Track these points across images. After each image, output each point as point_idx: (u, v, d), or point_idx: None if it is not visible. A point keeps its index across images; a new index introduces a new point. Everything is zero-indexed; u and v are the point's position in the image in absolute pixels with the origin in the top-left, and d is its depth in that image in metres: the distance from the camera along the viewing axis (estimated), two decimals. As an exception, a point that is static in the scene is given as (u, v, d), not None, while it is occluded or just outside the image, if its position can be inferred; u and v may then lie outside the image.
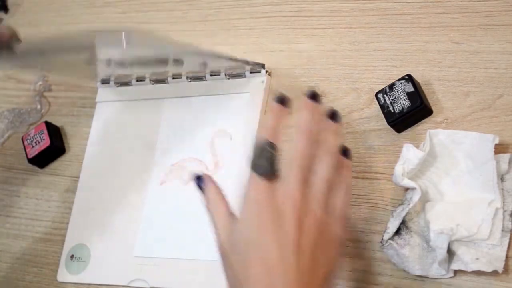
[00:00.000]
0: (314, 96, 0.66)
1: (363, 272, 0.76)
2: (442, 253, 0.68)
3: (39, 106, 1.04)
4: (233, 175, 0.84)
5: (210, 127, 0.89)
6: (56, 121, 1.01)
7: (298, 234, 0.59)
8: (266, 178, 0.61)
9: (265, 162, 0.61)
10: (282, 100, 0.66)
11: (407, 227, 0.72)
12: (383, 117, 0.79)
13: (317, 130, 0.65)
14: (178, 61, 0.83)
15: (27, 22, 1.13)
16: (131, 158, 0.92)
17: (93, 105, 0.99)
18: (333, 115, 0.68)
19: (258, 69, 0.89)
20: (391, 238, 0.71)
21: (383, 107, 0.79)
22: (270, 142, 0.62)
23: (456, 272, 0.71)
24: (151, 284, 0.85)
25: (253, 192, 0.61)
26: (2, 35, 0.77)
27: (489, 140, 0.70)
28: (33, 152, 0.98)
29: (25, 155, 0.99)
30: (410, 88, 0.78)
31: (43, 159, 0.99)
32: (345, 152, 0.68)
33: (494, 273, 0.69)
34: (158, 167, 0.90)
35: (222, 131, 0.88)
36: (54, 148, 0.98)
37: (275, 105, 0.66)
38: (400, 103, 0.78)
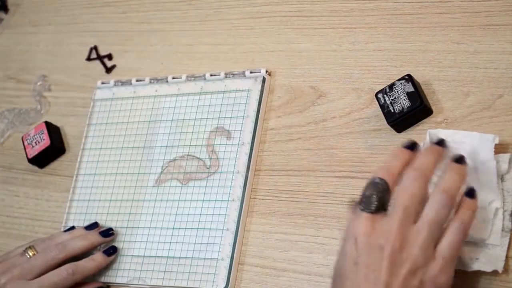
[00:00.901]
0: (412, 146, 0.66)
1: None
2: None
3: (39, 106, 1.04)
4: (231, 173, 0.84)
5: (209, 126, 0.89)
6: (56, 121, 1.01)
7: (388, 274, 0.59)
8: (371, 214, 0.62)
9: (375, 199, 0.62)
10: (412, 146, 0.66)
11: None
12: (383, 117, 0.79)
13: (432, 172, 0.63)
14: None
15: (27, 22, 1.14)
16: (130, 156, 0.92)
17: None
18: (458, 160, 0.65)
19: (258, 69, 0.89)
20: None
21: (383, 107, 0.79)
22: (386, 182, 0.62)
23: (456, 272, 0.71)
24: (150, 283, 0.85)
25: (355, 226, 0.62)
26: None
27: (489, 140, 0.69)
28: (33, 152, 0.98)
29: (25, 155, 0.99)
30: (410, 88, 0.78)
31: (43, 159, 0.99)
32: (469, 193, 0.64)
33: (494, 273, 0.69)
34: (157, 165, 0.90)
35: (221, 129, 0.88)
36: (54, 148, 0.98)
37: (404, 150, 0.65)
38: (400, 103, 0.78)
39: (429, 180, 0.62)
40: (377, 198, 0.62)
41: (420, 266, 0.60)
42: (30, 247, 0.85)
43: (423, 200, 0.62)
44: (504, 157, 0.70)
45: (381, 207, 0.62)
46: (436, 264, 0.61)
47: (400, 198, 0.62)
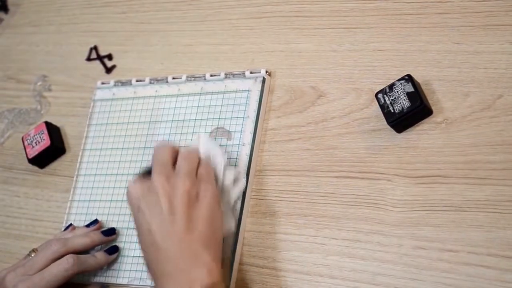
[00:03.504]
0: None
1: (364, 272, 0.76)
2: None
3: (39, 106, 1.04)
4: (231, 173, 0.85)
5: (209, 126, 0.89)
6: (56, 121, 1.01)
7: (167, 201, 0.76)
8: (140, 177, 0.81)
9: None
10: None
11: None
12: (383, 117, 0.79)
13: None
14: None
15: (27, 22, 1.14)
16: (130, 156, 0.92)
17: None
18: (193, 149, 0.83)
19: (258, 69, 0.89)
20: None
21: (383, 107, 0.79)
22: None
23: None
24: (151, 283, 0.85)
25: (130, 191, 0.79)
26: None
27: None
28: (33, 152, 0.98)
29: (25, 155, 0.99)
30: (410, 88, 0.78)
31: (43, 159, 0.99)
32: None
33: (493, 272, 0.69)
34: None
35: (222, 130, 0.88)
36: (54, 148, 0.98)
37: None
38: (400, 103, 0.78)
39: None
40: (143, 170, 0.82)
41: (189, 189, 0.76)
42: (33, 250, 0.86)
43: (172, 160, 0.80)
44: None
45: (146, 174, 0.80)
46: (197, 183, 0.78)
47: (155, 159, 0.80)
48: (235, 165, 0.85)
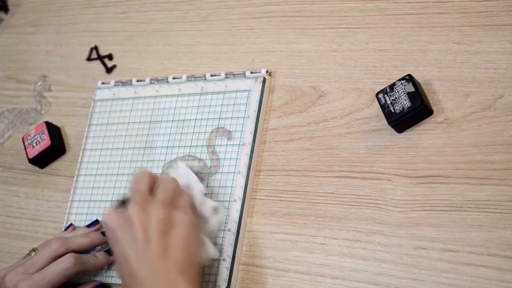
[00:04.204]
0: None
1: (364, 272, 0.76)
2: None
3: (39, 106, 1.04)
4: (232, 173, 0.84)
5: (210, 126, 0.89)
6: (57, 121, 1.01)
7: (142, 231, 0.76)
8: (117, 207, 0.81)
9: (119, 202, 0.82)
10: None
11: None
12: (384, 117, 0.79)
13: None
14: None
15: (27, 22, 1.14)
16: (130, 156, 0.92)
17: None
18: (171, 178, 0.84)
19: (258, 69, 0.89)
20: None
21: (383, 107, 0.79)
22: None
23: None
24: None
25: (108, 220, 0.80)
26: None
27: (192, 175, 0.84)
28: (33, 152, 0.98)
29: (25, 155, 0.99)
30: (410, 88, 0.78)
31: (43, 159, 0.99)
32: None
33: (493, 272, 0.69)
34: (157, 165, 0.90)
35: (222, 130, 0.88)
36: (54, 148, 0.98)
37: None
38: (401, 103, 0.78)
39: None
40: (120, 198, 0.82)
41: (164, 217, 0.77)
42: (33, 249, 0.86)
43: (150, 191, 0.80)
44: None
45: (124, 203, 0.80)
46: (173, 211, 0.78)
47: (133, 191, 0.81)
48: (234, 173, 0.85)
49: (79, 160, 0.96)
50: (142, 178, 0.80)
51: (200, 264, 0.79)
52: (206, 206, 0.82)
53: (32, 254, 0.85)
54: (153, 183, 0.80)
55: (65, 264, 0.82)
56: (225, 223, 0.83)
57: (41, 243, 0.89)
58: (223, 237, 0.83)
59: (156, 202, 0.78)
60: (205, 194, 0.83)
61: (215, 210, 0.82)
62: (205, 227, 0.81)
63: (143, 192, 0.79)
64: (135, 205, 0.78)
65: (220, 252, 0.82)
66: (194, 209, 0.81)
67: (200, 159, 0.88)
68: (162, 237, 0.75)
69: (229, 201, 0.84)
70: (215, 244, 0.82)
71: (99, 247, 0.88)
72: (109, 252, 0.87)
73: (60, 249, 0.84)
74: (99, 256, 0.86)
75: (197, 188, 0.83)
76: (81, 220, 0.92)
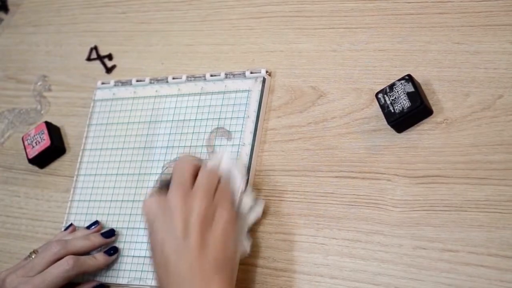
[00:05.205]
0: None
1: (364, 272, 0.76)
2: None
3: (39, 106, 1.04)
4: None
5: (209, 126, 0.89)
6: (56, 121, 1.01)
7: (182, 224, 0.75)
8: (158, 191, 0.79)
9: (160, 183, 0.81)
10: None
11: None
12: (383, 117, 0.79)
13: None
14: None
15: (27, 22, 1.14)
16: (130, 156, 0.92)
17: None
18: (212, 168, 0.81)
19: (258, 69, 0.89)
20: None
21: (383, 107, 0.79)
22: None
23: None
24: (151, 283, 0.85)
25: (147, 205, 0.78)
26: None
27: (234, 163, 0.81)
28: (33, 152, 0.99)
29: (25, 155, 1.00)
30: (410, 88, 0.78)
31: (43, 159, 0.99)
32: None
33: (493, 272, 0.69)
34: (157, 165, 0.90)
35: (222, 130, 0.88)
36: (54, 148, 0.98)
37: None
38: (400, 103, 0.78)
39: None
40: (161, 182, 0.81)
41: (205, 212, 0.75)
42: (33, 251, 0.86)
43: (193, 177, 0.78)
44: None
45: (164, 186, 0.78)
46: (214, 204, 0.76)
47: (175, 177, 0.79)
48: (239, 145, 0.85)
49: (79, 160, 0.96)
50: (186, 165, 0.78)
51: (237, 261, 0.77)
52: (245, 201, 0.80)
53: (33, 257, 0.85)
54: (196, 170, 0.78)
55: (65, 267, 0.83)
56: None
57: (41, 243, 0.90)
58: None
59: (198, 193, 0.76)
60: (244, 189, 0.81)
61: (253, 207, 0.81)
62: (242, 223, 0.80)
63: (185, 181, 0.77)
64: (177, 193, 0.76)
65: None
66: (234, 204, 0.79)
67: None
68: (201, 232, 0.74)
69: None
70: (248, 240, 0.80)
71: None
72: (108, 252, 0.87)
73: (60, 252, 0.84)
74: (99, 258, 0.86)
75: (238, 183, 0.80)
76: (81, 220, 0.92)
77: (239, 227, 0.78)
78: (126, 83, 0.97)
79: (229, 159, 0.81)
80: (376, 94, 0.80)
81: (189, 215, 0.74)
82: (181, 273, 0.73)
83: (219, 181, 0.78)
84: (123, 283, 0.87)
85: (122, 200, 0.91)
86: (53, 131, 0.99)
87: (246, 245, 0.79)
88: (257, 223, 0.83)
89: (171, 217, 0.74)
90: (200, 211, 0.74)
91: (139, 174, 0.91)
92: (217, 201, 0.76)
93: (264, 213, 0.83)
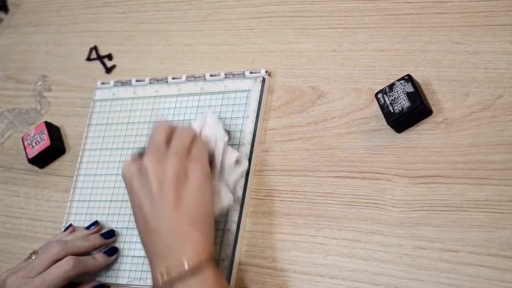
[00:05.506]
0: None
1: (364, 272, 0.76)
2: None
3: (39, 106, 1.04)
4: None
5: (210, 126, 0.89)
6: (56, 121, 1.01)
7: (156, 182, 0.77)
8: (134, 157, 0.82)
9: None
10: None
11: None
12: (383, 117, 0.79)
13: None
14: None
15: (27, 22, 1.14)
16: (130, 156, 0.92)
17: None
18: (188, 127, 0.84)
19: (258, 69, 0.89)
20: None
21: (383, 107, 0.79)
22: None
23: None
24: (150, 283, 0.85)
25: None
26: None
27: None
28: (33, 152, 0.98)
29: (25, 155, 1.00)
30: (410, 88, 0.78)
31: (43, 159, 0.99)
32: None
33: (493, 272, 0.69)
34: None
35: (222, 129, 0.88)
36: (54, 148, 0.98)
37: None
38: (400, 103, 0.78)
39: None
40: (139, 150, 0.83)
41: (179, 169, 0.78)
42: (33, 252, 0.86)
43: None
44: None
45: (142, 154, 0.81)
46: (187, 162, 0.79)
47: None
48: (239, 145, 0.86)
49: (79, 160, 0.96)
50: (160, 129, 0.81)
51: (216, 213, 0.79)
52: (230, 156, 0.82)
53: (33, 257, 0.85)
54: (171, 133, 0.81)
55: (65, 268, 0.83)
56: (225, 222, 0.83)
57: (41, 243, 0.90)
58: (222, 237, 0.83)
59: (171, 153, 0.79)
60: (227, 144, 0.83)
61: (238, 160, 0.83)
62: (227, 176, 0.82)
63: (159, 144, 0.80)
64: (151, 157, 0.79)
65: (219, 252, 0.82)
66: (211, 158, 0.81)
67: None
68: (176, 189, 0.76)
69: (228, 201, 0.84)
70: (234, 194, 0.82)
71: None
72: (108, 253, 0.87)
73: (60, 253, 0.84)
74: (99, 258, 0.86)
75: (221, 138, 0.82)
76: (81, 220, 0.92)
77: (222, 179, 0.81)
78: (126, 83, 0.97)
79: (212, 119, 0.84)
80: (376, 94, 0.80)
81: (163, 173, 0.77)
82: (159, 228, 0.76)
83: (194, 140, 0.81)
84: (123, 283, 0.87)
85: (122, 200, 0.91)
86: (53, 131, 0.99)
87: (227, 199, 0.81)
88: (256, 223, 0.83)
89: (147, 177, 0.77)
90: (173, 170, 0.77)
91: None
92: (192, 158, 0.79)
93: (264, 213, 0.83)
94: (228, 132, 0.85)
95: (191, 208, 0.76)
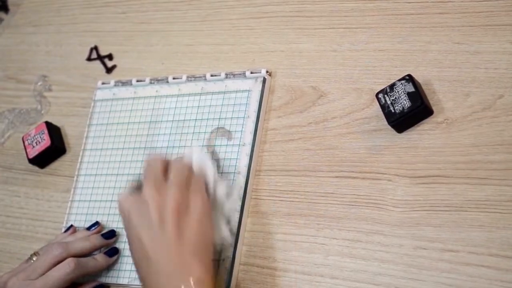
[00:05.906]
0: None
1: (364, 272, 0.76)
2: None
3: (39, 106, 1.04)
4: (232, 174, 0.85)
5: (210, 127, 0.89)
6: (57, 121, 1.01)
7: (157, 215, 0.76)
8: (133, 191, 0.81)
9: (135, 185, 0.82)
10: None
11: None
12: (384, 117, 0.79)
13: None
14: None
15: (27, 22, 1.14)
16: (130, 157, 0.92)
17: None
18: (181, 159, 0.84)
19: (259, 69, 0.89)
20: None
21: (383, 107, 0.79)
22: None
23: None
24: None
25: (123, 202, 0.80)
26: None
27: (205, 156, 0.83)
28: (33, 152, 0.98)
29: (25, 155, 0.99)
30: (410, 88, 0.78)
31: (43, 159, 0.99)
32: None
33: (493, 272, 0.69)
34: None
35: (222, 130, 0.88)
36: (54, 148, 0.98)
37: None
38: (401, 103, 0.78)
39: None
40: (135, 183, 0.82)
41: (180, 201, 0.77)
42: (34, 253, 0.86)
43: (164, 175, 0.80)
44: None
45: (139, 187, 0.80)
46: (188, 194, 0.78)
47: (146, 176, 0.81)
48: (234, 174, 0.85)
49: (79, 160, 0.96)
50: (155, 162, 0.80)
51: (214, 246, 0.79)
52: (220, 189, 0.82)
53: (34, 259, 0.85)
54: (166, 166, 0.80)
55: (66, 269, 0.83)
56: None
57: (42, 243, 0.90)
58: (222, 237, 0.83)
59: (170, 184, 0.78)
60: (217, 178, 0.82)
61: (228, 194, 0.82)
62: (219, 209, 0.81)
63: (157, 175, 0.79)
64: (150, 187, 0.78)
65: (220, 252, 0.82)
66: (208, 192, 0.81)
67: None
68: (177, 221, 0.75)
69: (229, 201, 0.84)
70: (229, 226, 0.82)
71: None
72: (109, 254, 0.87)
73: (61, 254, 0.84)
74: (99, 259, 0.86)
75: (211, 170, 0.82)
76: (81, 220, 0.92)
77: (215, 213, 0.80)
78: (126, 83, 0.97)
79: (199, 152, 0.83)
80: (377, 94, 0.80)
81: (164, 206, 0.76)
82: (160, 260, 0.74)
83: (191, 172, 0.80)
84: (123, 283, 0.87)
85: (123, 200, 0.91)
86: (53, 131, 0.99)
87: (224, 234, 0.81)
88: (257, 223, 0.83)
89: (147, 209, 0.76)
90: (174, 200, 0.76)
91: (139, 174, 0.91)
92: (191, 190, 0.78)
93: (264, 213, 0.83)
94: (217, 161, 0.85)
95: (193, 240, 0.75)
